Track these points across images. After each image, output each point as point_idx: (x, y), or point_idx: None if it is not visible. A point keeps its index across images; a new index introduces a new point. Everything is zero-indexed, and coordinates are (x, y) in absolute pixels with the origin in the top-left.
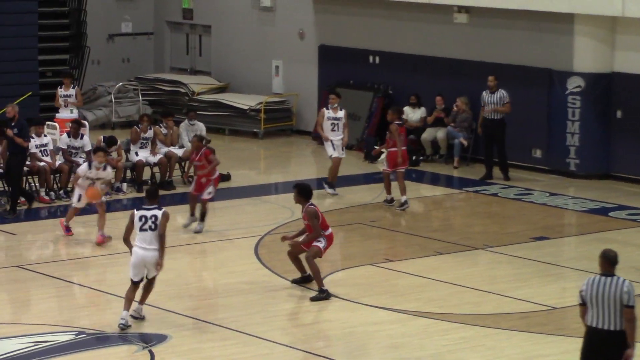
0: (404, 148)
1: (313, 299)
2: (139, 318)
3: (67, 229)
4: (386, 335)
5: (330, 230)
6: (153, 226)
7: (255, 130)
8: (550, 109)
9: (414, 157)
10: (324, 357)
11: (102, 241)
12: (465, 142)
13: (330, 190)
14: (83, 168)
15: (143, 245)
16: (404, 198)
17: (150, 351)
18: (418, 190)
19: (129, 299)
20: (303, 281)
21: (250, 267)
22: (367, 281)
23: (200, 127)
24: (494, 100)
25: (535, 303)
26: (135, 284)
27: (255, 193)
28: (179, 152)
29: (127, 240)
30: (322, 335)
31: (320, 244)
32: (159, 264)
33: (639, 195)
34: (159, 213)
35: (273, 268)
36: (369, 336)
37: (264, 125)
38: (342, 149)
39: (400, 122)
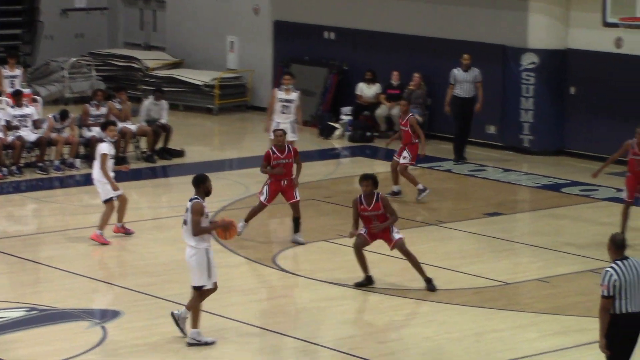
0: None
1: (431, 290)
2: (194, 343)
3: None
4: (339, 311)
5: None
6: (186, 219)
7: (209, 106)
8: (505, 85)
9: (368, 133)
10: (278, 332)
11: (118, 231)
12: (420, 119)
13: None
14: (105, 148)
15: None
16: (420, 185)
17: (102, 327)
18: (372, 166)
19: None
20: (368, 283)
21: None
22: (320, 257)
23: (163, 106)
24: (468, 78)
25: (488, 278)
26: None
27: (209, 169)
28: (133, 127)
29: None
30: (276, 311)
31: (400, 234)
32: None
33: (592, 171)
34: (189, 205)
35: (227, 244)
36: (322, 312)
37: (219, 101)
38: (294, 132)
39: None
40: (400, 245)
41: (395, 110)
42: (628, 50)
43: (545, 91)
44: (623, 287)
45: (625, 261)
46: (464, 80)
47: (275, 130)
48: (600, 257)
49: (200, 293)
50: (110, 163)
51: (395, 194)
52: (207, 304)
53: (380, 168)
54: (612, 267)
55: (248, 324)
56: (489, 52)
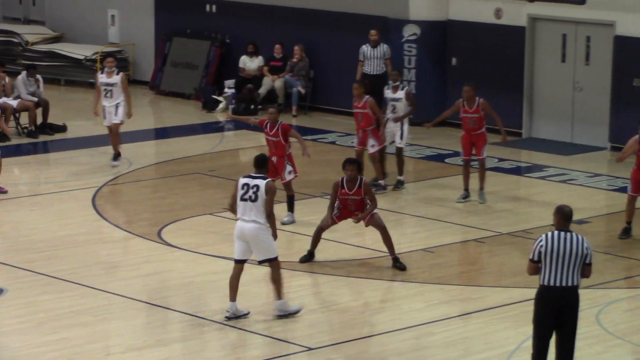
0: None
1: (399, 269)
2: (283, 315)
3: None
4: (225, 285)
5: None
6: (253, 197)
7: (91, 80)
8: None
9: (252, 107)
10: (164, 307)
11: None
12: (302, 91)
13: (114, 163)
14: None
15: (242, 216)
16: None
17: None
18: (257, 138)
19: (232, 287)
20: (310, 258)
21: (88, 219)
22: (205, 230)
23: (39, 81)
24: (377, 54)
25: (373, 250)
26: (236, 265)
27: (92, 144)
28: (14, 102)
29: (231, 207)
30: (162, 285)
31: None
32: (274, 235)
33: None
34: (262, 183)
35: (111, 219)
36: (208, 285)
37: None
38: (120, 115)
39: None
40: (376, 221)
41: (279, 83)
42: (507, 21)
43: (427, 62)
44: (548, 256)
45: (563, 233)
46: (372, 57)
47: (269, 108)
48: (484, 227)
49: (277, 263)
50: None
51: (381, 187)
52: (90, 279)
53: (265, 140)
54: (545, 234)
55: (134, 299)
56: (371, 24)
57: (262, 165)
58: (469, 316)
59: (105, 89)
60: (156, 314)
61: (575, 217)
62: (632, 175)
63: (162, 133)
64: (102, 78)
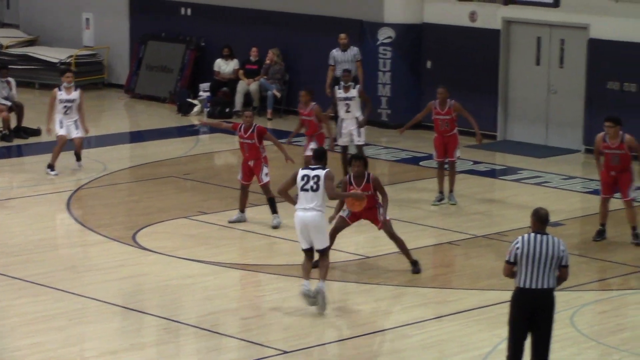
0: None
1: (416, 272)
2: (313, 297)
3: None
4: (201, 288)
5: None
6: (315, 186)
7: None
8: (362, 60)
9: (227, 109)
10: (139, 310)
11: None
12: (278, 94)
13: (51, 173)
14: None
15: (303, 205)
16: None
17: None
18: (232, 142)
19: (305, 270)
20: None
21: (63, 223)
22: (180, 234)
23: (12, 84)
24: (347, 58)
25: (348, 252)
26: (307, 254)
27: (66, 147)
28: None
29: (283, 192)
30: (137, 289)
31: (384, 210)
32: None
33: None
34: (321, 173)
35: (86, 223)
36: (184, 289)
37: (75, 79)
38: (81, 128)
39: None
40: (388, 227)
41: (254, 86)
42: (482, 24)
43: (402, 65)
44: (524, 258)
45: (539, 235)
46: (343, 61)
47: (245, 111)
48: (459, 229)
49: (328, 250)
50: None
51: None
52: (65, 283)
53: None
54: (522, 237)
55: (109, 303)
56: (346, 27)
57: (321, 157)
58: (444, 319)
59: (65, 106)
60: (131, 318)
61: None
62: (602, 177)
63: (137, 136)
64: (61, 95)
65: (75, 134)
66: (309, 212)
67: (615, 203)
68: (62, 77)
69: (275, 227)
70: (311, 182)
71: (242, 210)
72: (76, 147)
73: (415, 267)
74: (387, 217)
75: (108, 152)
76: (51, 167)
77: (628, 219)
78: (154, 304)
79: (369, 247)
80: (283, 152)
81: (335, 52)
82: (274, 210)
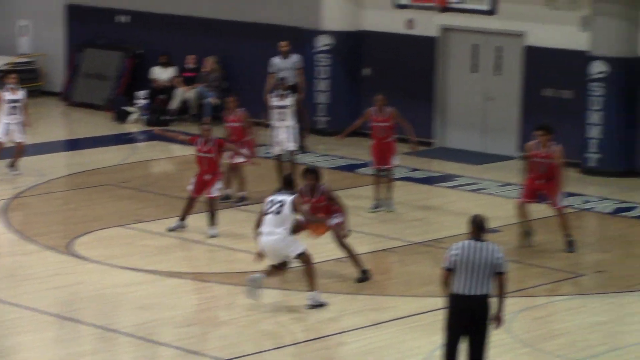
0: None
1: (359, 281)
2: (315, 305)
3: None
4: (137, 296)
5: None
6: (277, 210)
7: None
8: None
9: (164, 117)
10: (75, 320)
11: None
12: (216, 102)
13: (13, 172)
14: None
15: (267, 229)
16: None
17: None
18: (169, 150)
19: (270, 273)
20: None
21: None
22: (117, 242)
23: None
24: (288, 65)
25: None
26: (274, 267)
27: (2, 155)
28: None
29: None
30: (72, 298)
31: (341, 219)
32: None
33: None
34: (287, 199)
35: (21, 232)
36: (120, 298)
37: None
38: (20, 133)
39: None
40: (339, 235)
41: (192, 94)
42: (419, 32)
43: (340, 73)
44: (460, 265)
45: (476, 242)
46: (283, 68)
47: (202, 124)
48: (396, 236)
49: (306, 257)
50: None
51: (242, 199)
52: (1, 292)
53: (178, 152)
54: (459, 243)
55: (44, 312)
56: (284, 35)
57: (289, 183)
58: (381, 326)
59: (12, 106)
60: (67, 327)
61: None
62: (527, 183)
63: (73, 144)
64: (6, 95)
65: (19, 138)
66: (270, 237)
67: (547, 210)
68: (6, 79)
69: (213, 237)
70: (275, 207)
71: (182, 219)
72: (17, 151)
73: (364, 275)
74: (336, 221)
75: (45, 160)
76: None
77: (560, 226)
78: (89, 312)
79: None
80: (245, 156)
81: (276, 60)
82: (213, 223)
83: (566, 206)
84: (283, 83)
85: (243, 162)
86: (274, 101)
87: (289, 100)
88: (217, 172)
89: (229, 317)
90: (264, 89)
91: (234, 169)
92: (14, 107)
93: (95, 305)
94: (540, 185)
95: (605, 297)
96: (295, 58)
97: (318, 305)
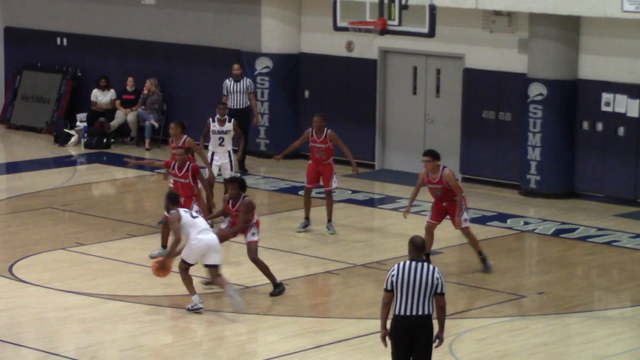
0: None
1: (273, 294)
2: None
3: None
4: (78, 320)
5: (256, 217)
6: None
7: None
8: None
9: (104, 140)
10: (17, 344)
11: None
12: (156, 124)
13: None
14: None
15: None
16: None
17: None
18: (110, 172)
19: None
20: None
21: None
22: (58, 266)
23: None
24: (240, 89)
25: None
26: (187, 271)
27: None
28: None
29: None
30: (13, 321)
31: (255, 237)
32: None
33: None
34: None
35: None
36: (61, 321)
37: None
38: None
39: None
40: (248, 248)
41: (131, 116)
42: (359, 54)
43: (280, 95)
44: (399, 286)
45: (414, 263)
46: (235, 91)
47: (178, 149)
48: (338, 258)
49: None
50: None
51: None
52: None
53: (118, 174)
54: (397, 264)
55: None
56: (224, 57)
57: (177, 201)
58: (323, 348)
59: None
60: (8, 351)
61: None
62: (432, 205)
63: (13, 167)
64: None
65: None
66: (212, 234)
67: (491, 232)
68: None
69: (152, 258)
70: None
71: (164, 246)
72: None
73: (277, 289)
74: (253, 239)
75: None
76: None
77: (470, 246)
78: (31, 336)
79: (249, 277)
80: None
81: (228, 82)
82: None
83: (467, 227)
84: (223, 108)
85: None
86: (214, 126)
87: (229, 126)
88: (192, 196)
89: (172, 340)
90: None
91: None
92: None
93: (36, 329)
94: (446, 206)
95: (548, 319)
96: (247, 82)
97: (196, 310)
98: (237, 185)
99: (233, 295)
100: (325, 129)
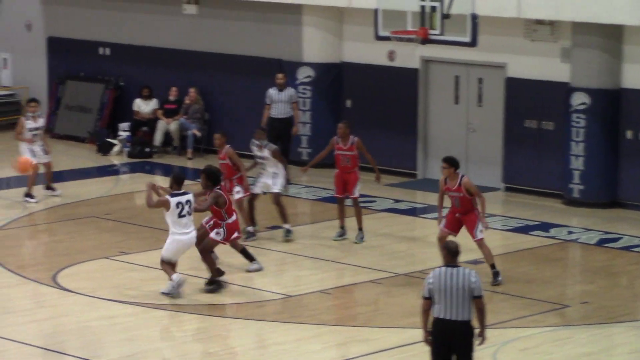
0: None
1: (208, 291)
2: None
3: None
4: (122, 328)
5: (234, 217)
6: (190, 211)
7: None
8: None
9: (147, 149)
10: (61, 352)
11: None
12: (198, 134)
13: (32, 200)
14: None
15: (183, 230)
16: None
17: None
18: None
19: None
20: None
21: None
22: (102, 274)
23: None
24: (284, 98)
25: (270, 292)
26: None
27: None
28: None
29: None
30: (58, 330)
31: (219, 237)
32: None
33: (366, 182)
34: (190, 196)
35: (5, 264)
36: (105, 330)
37: None
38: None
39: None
40: (206, 242)
41: (174, 126)
42: (400, 63)
43: (322, 104)
44: (437, 292)
45: (449, 268)
46: (279, 101)
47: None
48: (379, 267)
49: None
50: None
51: (250, 234)
52: None
53: (161, 184)
54: (433, 271)
55: (29, 345)
56: (266, 67)
57: (182, 181)
58: (367, 357)
59: (33, 134)
60: (52, 359)
61: (470, 257)
62: (448, 214)
63: (57, 177)
64: (29, 123)
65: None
66: (193, 235)
67: (533, 241)
68: (28, 106)
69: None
70: (186, 208)
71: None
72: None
73: (213, 285)
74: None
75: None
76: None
77: (484, 258)
78: (74, 345)
79: (292, 286)
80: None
81: (272, 92)
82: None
83: (482, 238)
84: (261, 133)
85: (241, 197)
86: (255, 150)
87: (266, 153)
88: (232, 177)
89: (215, 349)
90: (261, 120)
91: (238, 205)
92: (36, 135)
93: (80, 338)
94: (460, 217)
95: (591, 328)
96: (291, 91)
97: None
98: (204, 176)
99: (174, 287)
100: (351, 137)
